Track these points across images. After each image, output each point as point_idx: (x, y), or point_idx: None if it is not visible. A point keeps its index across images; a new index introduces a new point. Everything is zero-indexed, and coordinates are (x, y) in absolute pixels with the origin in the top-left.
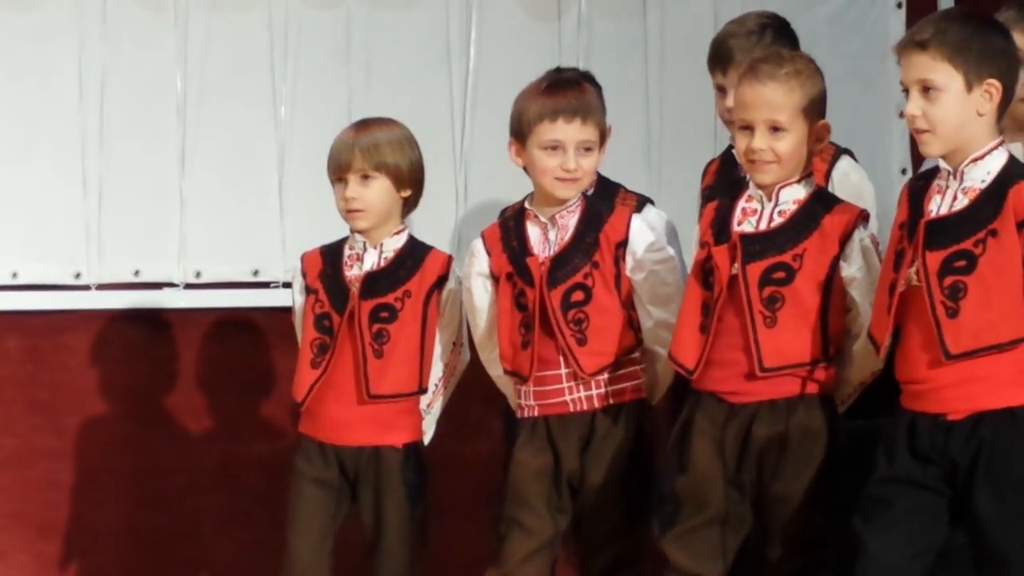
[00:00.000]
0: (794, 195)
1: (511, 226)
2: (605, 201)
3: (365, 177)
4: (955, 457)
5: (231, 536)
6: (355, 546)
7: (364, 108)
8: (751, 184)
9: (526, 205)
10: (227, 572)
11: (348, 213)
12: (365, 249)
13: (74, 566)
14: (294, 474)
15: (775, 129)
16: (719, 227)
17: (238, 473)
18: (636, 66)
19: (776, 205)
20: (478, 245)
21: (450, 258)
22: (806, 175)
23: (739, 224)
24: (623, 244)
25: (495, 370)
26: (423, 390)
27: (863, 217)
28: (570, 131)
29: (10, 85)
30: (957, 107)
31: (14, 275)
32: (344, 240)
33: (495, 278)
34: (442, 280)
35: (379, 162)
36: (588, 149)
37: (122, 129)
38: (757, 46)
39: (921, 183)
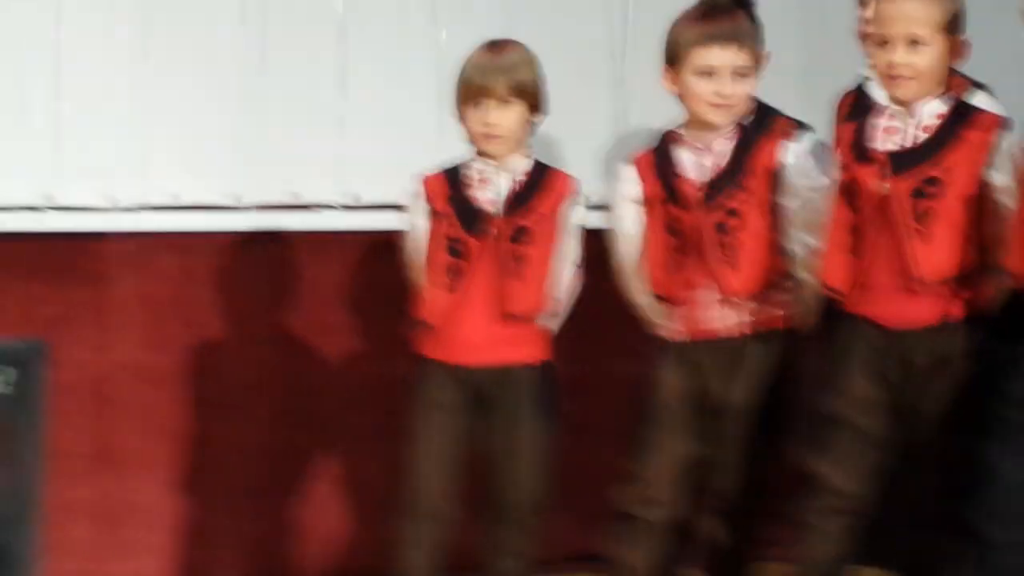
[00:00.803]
0: (935, 110)
1: (664, 151)
2: (763, 128)
3: (506, 102)
4: None
5: (375, 454)
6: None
7: (523, 33)
8: (890, 102)
9: (679, 131)
10: (371, 489)
11: (487, 138)
12: (496, 172)
13: (222, 481)
14: (421, 401)
15: (914, 43)
16: (859, 148)
17: (386, 392)
18: None
19: (918, 121)
20: (629, 171)
21: (575, 179)
22: (946, 90)
23: (879, 142)
24: (777, 171)
25: (641, 296)
26: (550, 310)
27: (1006, 125)
28: (724, 56)
29: (171, 9)
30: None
31: (174, 196)
32: (461, 163)
33: (647, 203)
34: (568, 201)
35: (519, 87)
36: (742, 75)
37: (281, 51)
38: None
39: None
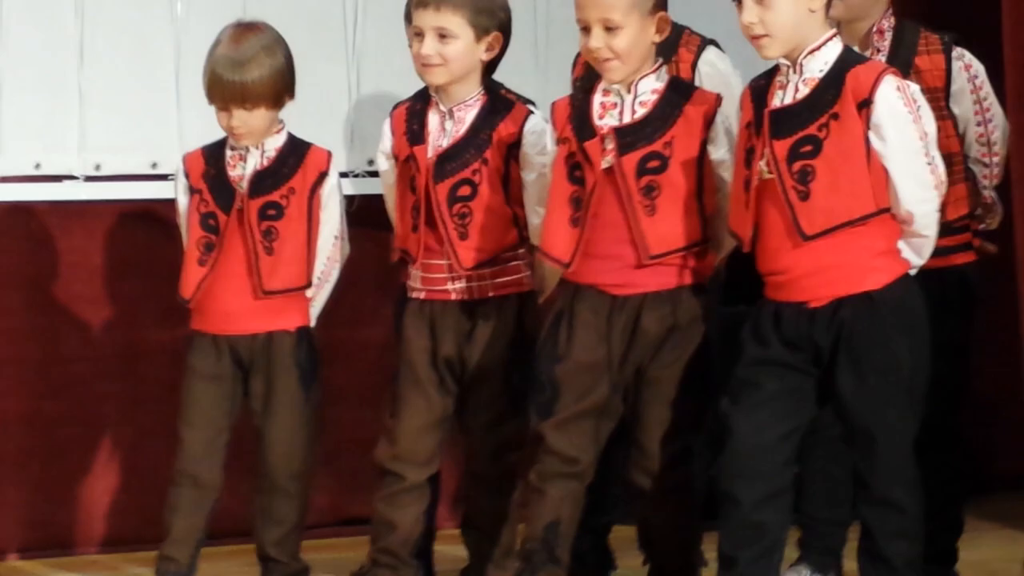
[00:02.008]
0: (651, 86)
1: (417, 109)
2: (503, 101)
3: (249, 110)
4: (818, 341)
5: (132, 421)
6: (248, 439)
7: (259, 7)
8: (611, 83)
9: (432, 93)
10: (128, 456)
11: (235, 136)
12: (248, 149)
13: None
14: (187, 371)
15: (609, 28)
16: (579, 122)
17: (139, 360)
18: None
19: (636, 97)
20: (386, 125)
21: (330, 154)
22: (658, 67)
23: (600, 118)
24: (515, 145)
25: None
26: (310, 283)
27: (720, 101)
28: (427, 17)
29: None
30: (790, 8)
31: None
32: (224, 140)
33: (396, 158)
34: (323, 176)
35: (260, 93)
36: (444, 36)
37: (21, 24)
38: None
39: (763, 82)
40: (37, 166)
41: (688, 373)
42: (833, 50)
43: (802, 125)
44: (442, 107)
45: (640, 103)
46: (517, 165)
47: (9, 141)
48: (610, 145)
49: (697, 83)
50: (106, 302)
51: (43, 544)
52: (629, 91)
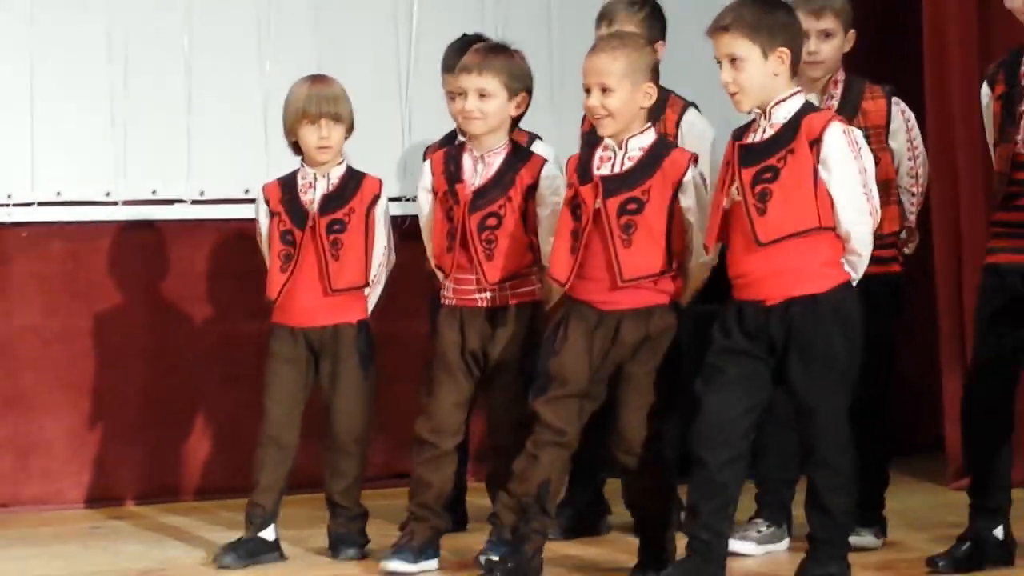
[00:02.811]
0: (640, 143)
1: (453, 155)
2: (523, 151)
3: (334, 123)
4: (772, 334)
5: (227, 395)
6: (318, 410)
7: (331, 64)
8: (606, 137)
9: (466, 141)
10: (224, 423)
11: (320, 151)
12: (316, 178)
13: (106, 421)
14: (269, 356)
15: (604, 90)
16: (582, 171)
17: (233, 347)
18: (542, 29)
19: (626, 152)
20: (426, 166)
21: (381, 181)
22: (647, 127)
23: (598, 168)
24: (533, 187)
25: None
26: (368, 283)
27: (694, 160)
28: (470, 80)
29: (50, 48)
30: (758, 73)
31: (58, 193)
32: (295, 172)
33: (435, 193)
34: (376, 198)
35: (342, 112)
36: (484, 95)
37: (139, 76)
38: (617, 15)
39: (742, 129)
40: (153, 192)
41: (658, 372)
42: (796, 103)
43: (765, 157)
44: (475, 153)
45: (629, 158)
46: (534, 203)
47: (131, 171)
48: (599, 190)
49: (679, 138)
50: (207, 301)
51: (154, 493)
52: (621, 147)
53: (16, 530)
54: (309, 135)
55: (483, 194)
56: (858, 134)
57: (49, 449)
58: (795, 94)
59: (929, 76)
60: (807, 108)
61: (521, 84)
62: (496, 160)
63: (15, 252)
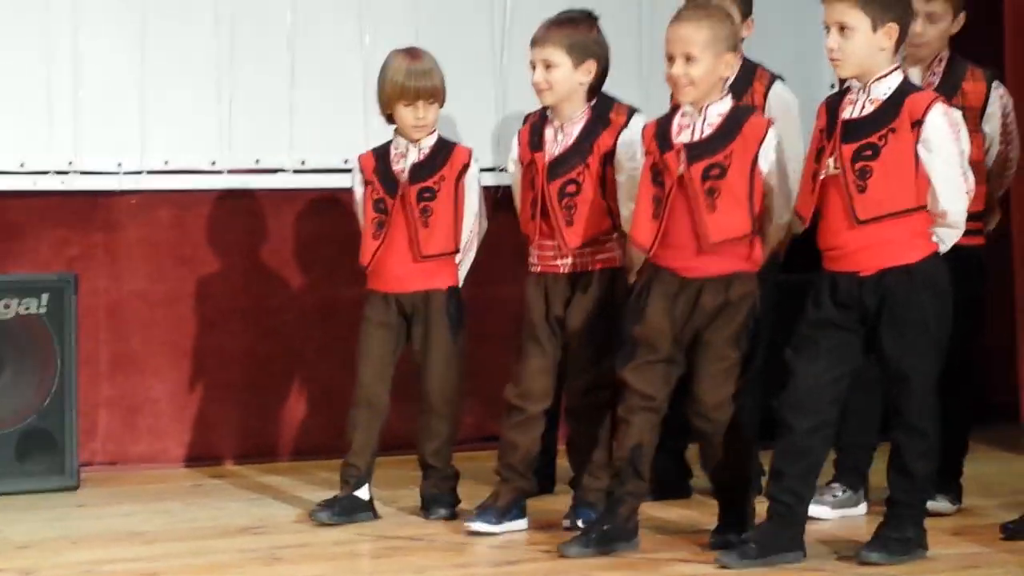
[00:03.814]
0: (718, 110)
1: (537, 124)
2: (602, 116)
3: (428, 101)
4: (866, 303)
5: (327, 358)
6: (410, 373)
7: (428, 38)
8: (684, 104)
9: (547, 113)
10: (321, 385)
11: (416, 128)
12: (407, 148)
13: (209, 380)
14: (363, 319)
15: (689, 59)
16: (661, 138)
17: (331, 311)
18: (633, 5)
19: (705, 119)
20: (516, 137)
21: (471, 151)
22: (725, 94)
23: (677, 135)
24: (611, 153)
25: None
26: (458, 249)
27: (771, 124)
28: (537, 52)
29: (159, 24)
30: (863, 43)
31: (165, 162)
32: (389, 142)
33: (520, 163)
34: (466, 167)
35: (436, 89)
36: (549, 66)
37: (246, 51)
38: None
39: (836, 97)
40: (257, 161)
41: (736, 338)
42: (896, 79)
43: (867, 134)
44: (556, 122)
45: (708, 124)
46: (612, 169)
47: (235, 141)
48: (682, 156)
49: (766, 109)
50: (306, 267)
51: (253, 452)
52: (700, 114)
53: (123, 487)
54: (406, 115)
55: (562, 162)
56: (958, 115)
57: (155, 408)
58: (895, 70)
59: (1010, 59)
60: (908, 86)
61: (587, 52)
62: (575, 129)
63: (125, 219)
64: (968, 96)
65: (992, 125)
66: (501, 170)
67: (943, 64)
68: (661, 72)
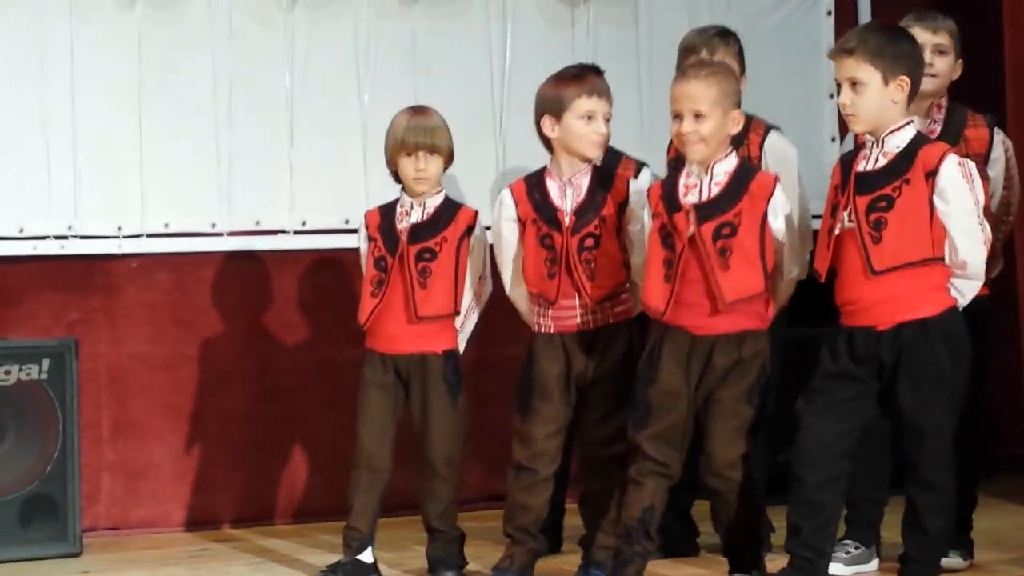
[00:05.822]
0: (724, 168)
1: (533, 183)
2: (610, 167)
3: (431, 154)
4: (883, 357)
5: (329, 420)
6: (411, 433)
7: (427, 96)
8: (689, 163)
9: (548, 167)
10: (322, 447)
11: (418, 181)
12: (412, 207)
13: (211, 442)
14: (361, 380)
15: (698, 116)
16: (668, 200)
17: (332, 372)
18: (631, 62)
19: (712, 178)
20: (507, 196)
21: (476, 212)
22: (730, 152)
23: (684, 196)
24: (624, 203)
25: (520, 301)
26: (457, 312)
27: (777, 181)
28: (601, 105)
29: (157, 87)
30: (876, 98)
31: (166, 225)
32: (396, 199)
33: (522, 222)
34: (470, 229)
35: (440, 143)
36: (608, 120)
37: (246, 114)
38: (717, 47)
39: (850, 154)
40: (257, 222)
41: (747, 395)
42: (909, 132)
43: (880, 186)
44: (561, 178)
45: (715, 183)
46: (624, 220)
47: (236, 203)
48: (692, 217)
49: (763, 159)
50: (307, 329)
51: (255, 515)
52: (707, 173)
53: (126, 553)
54: (407, 166)
55: (580, 215)
56: (971, 166)
57: (157, 472)
58: (908, 123)
59: (1012, 102)
60: (921, 139)
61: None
62: (583, 182)
63: (125, 282)
64: (971, 143)
65: (996, 170)
66: None
67: (943, 111)
68: (659, 130)
